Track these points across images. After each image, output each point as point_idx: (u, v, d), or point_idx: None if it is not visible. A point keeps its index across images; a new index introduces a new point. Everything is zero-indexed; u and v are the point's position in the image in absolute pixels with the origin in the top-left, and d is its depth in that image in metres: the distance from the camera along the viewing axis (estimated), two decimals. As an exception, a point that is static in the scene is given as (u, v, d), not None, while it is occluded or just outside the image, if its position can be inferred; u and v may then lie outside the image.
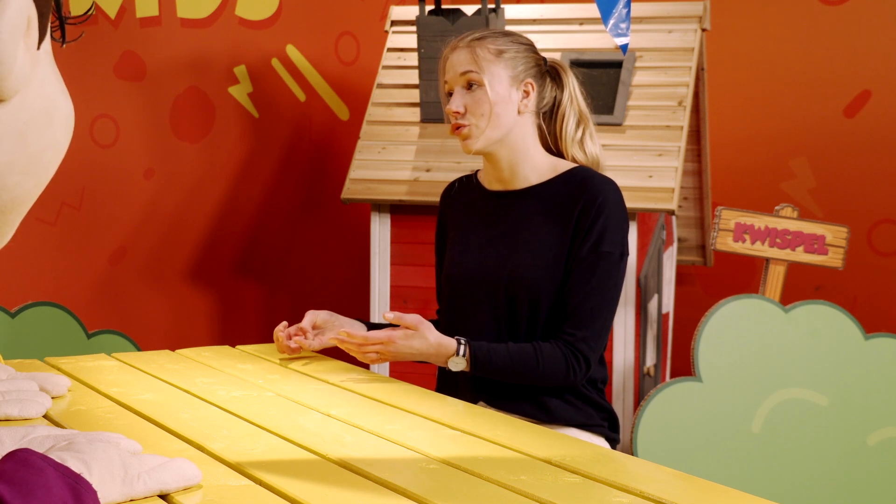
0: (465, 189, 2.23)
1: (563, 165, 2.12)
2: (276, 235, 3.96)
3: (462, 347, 2.00)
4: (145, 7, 3.54)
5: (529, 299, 2.06)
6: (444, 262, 2.24)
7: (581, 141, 2.17)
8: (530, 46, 2.13)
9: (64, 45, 0.80)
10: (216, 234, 3.79)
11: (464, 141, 2.09)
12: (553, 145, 2.19)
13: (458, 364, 2.00)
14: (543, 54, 2.18)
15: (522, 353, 2.01)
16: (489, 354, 2.00)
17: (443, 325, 2.17)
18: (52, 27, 0.76)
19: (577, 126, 2.17)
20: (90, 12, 0.88)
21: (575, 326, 2.02)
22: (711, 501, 1.25)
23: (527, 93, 2.10)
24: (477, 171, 2.26)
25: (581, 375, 2.03)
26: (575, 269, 2.03)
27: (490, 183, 2.18)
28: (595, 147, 2.19)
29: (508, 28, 3.25)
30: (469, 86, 2.07)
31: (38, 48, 0.72)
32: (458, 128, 2.09)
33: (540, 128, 2.16)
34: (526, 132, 2.11)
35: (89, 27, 3.35)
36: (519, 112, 2.09)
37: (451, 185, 2.28)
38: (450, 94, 2.11)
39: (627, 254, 2.08)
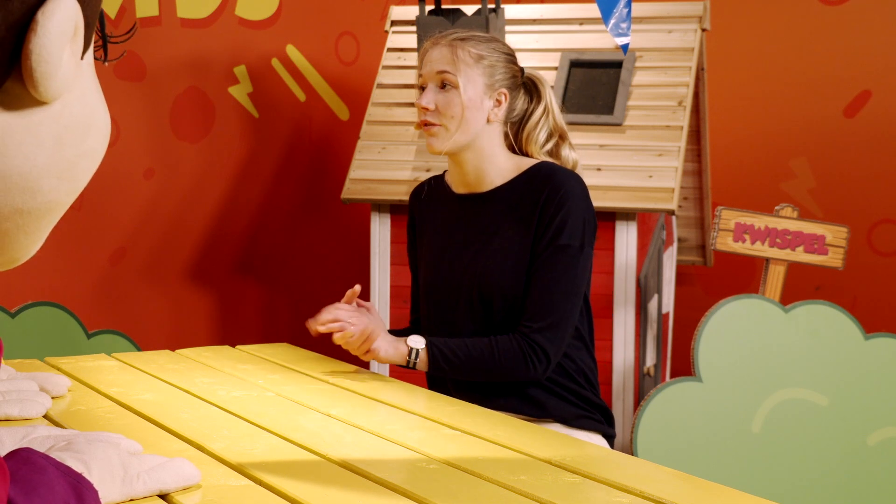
0: (434, 191, 2.23)
1: (527, 163, 2.12)
2: (276, 235, 3.96)
3: (415, 351, 2.00)
4: (145, 7, 3.54)
5: (504, 302, 2.06)
6: (418, 268, 2.24)
7: (552, 151, 2.17)
8: (511, 56, 2.13)
9: (106, 63, 0.81)
10: (216, 234, 3.79)
11: (429, 139, 2.09)
12: (520, 151, 2.19)
13: (419, 365, 2.01)
14: (528, 63, 2.18)
15: (479, 348, 2.01)
16: (444, 351, 2.01)
17: (424, 333, 2.17)
18: (94, 45, 0.78)
19: (549, 139, 2.16)
20: (133, 31, 0.89)
21: (531, 319, 2.01)
22: (711, 501, 1.25)
23: (499, 102, 2.09)
24: (445, 171, 2.26)
25: (542, 368, 2.02)
26: (534, 263, 2.04)
27: (456, 186, 2.18)
28: (571, 154, 2.18)
29: (508, 29, 3.26)
30: (443, 85, 2.07)
31: (82, 58, 0.73)
32: (426, 125, 2.09)
33: (507, 134, 2.15)
34: (493, 138, 2.11)
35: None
36: (488, 120, 2.09)
37: (419, 187, 2.27)
38: (423, 88, 2.11)
39: (589, 246, 2.06)
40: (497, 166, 2.11)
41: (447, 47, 2.08)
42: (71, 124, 0.73)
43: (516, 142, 2.18)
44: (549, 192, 2.03)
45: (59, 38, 0.68)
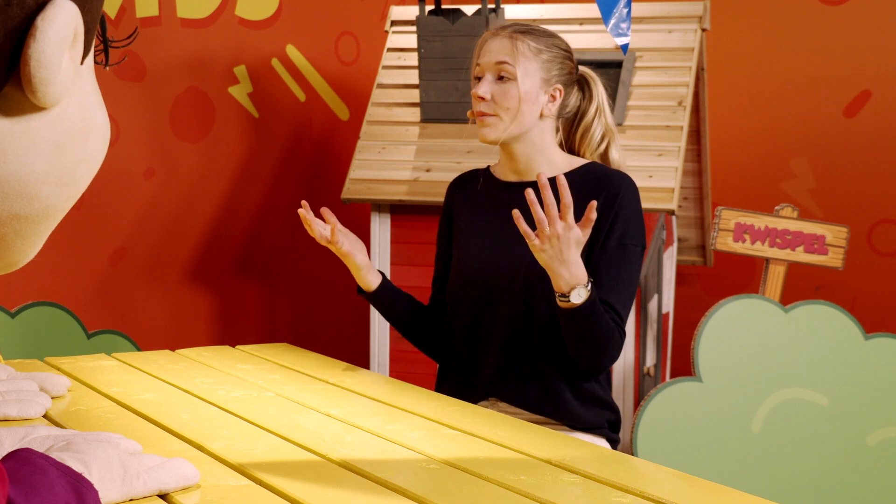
0: (478, 180, 2.24)
1: (578, 161, 2.15)
2: (276, 235, 3.96)
3: (586, 288, 1.93)
4: (145, 7, 3.54)
5: (548, 291, 2.05)
6: (452, 252, 2.23)
7: (605, 153, 2.19)
8: (568, 53, 2.14)
9: (107, 68, 0.81)
10: (216, 234, 3.79)
11: (482, 129, 2.10)
12: (570, 150, 2.20)
13: (580, 295, 1.95)
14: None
15: (606, 318, 1.98)
16: (596, 299, 1.96)
17: (455, 315, 2.16)
18: (95, 50, 0.77)
19: (602, 139, 2.18)
20: (134, 35, 0.89)
21: (620, 317, 2.03)
22: (711, 501, 1.25)
23: (553, 97, 2.11)
24: (488, 166, 2.26)
25: (617, 357, 2.05)
26: (605, 262, 2.04)
27: (505, 174, 2.19)
28: (618, 155, 2.21)
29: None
30: (500, 77, 2.08)
31: (82, 63, 0.73)
32: (481, 114, 2.09)
33: (559, 130, 2.17)
34: (545, 132, 2.12)
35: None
36: (541, 115, 2.10)
37: (463, 175, 2.29)
38: (478, 79, 2.12)
39: (646, 247, 2.11)
40: (549, 159, 2.13)
41: (507, 39, 2.08)
42: (69, 130, 0.73)
43: (569, 139, 2.20)
44: (608, 193, 2.05)
45: (58, 43, 0.68)
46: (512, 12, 3.37)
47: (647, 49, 3.19)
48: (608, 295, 2.04)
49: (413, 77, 3.34)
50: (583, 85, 2.18)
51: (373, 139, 3.29)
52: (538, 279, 2.06)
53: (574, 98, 2.16)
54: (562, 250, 1.88)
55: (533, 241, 1.88)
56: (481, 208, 2.19)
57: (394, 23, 3.50)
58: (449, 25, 3.11)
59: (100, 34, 0.79)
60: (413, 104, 3.30)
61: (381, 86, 3.39)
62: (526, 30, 2.10)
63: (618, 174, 2.09)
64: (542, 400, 2.07)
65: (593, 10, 3.22)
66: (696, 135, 3.51)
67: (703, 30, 3.22)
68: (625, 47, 2.54)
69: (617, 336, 2.01)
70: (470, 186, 2.24)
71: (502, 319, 2.09)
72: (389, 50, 3.46)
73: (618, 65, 3.16)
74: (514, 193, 2.14)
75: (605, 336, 2.00)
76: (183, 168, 3.69)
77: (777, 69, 3.88)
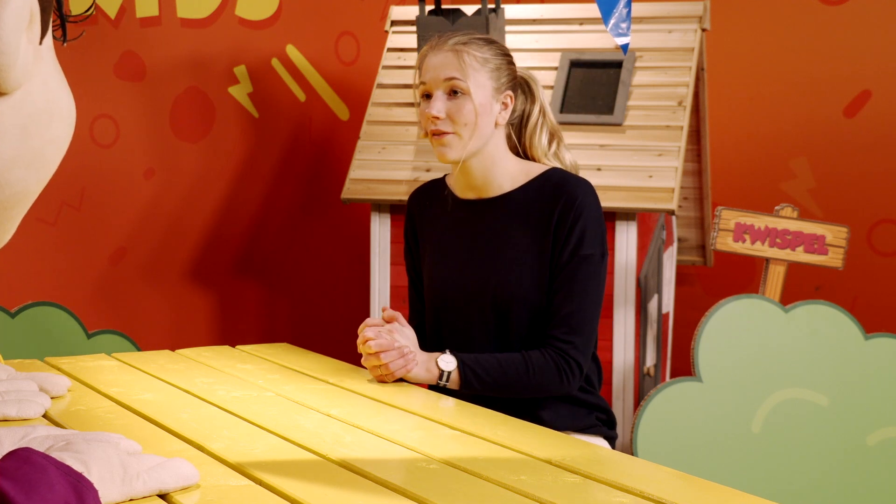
0: (436, 195, 2.17)
1: (536, 169, 2.09)
2: (276, 235, 3.96)
3: (446, 374, 1.97)
4: (145, 7, 3.54)
5: (519, 313, 2.02)
6: (421, 274, 2.19)
7: (556, 153, 2.16)
8: (510, 57, 2.10)
9: (65, 44, 0.80)
10: (216, 234, 3.79)
11: (441, 148, 2.03)
12: (524, 154, 2.17)
13: (449, 377, 1.98)
14: (528, 63, 2.17)
15: (512, 366, 1.98)
16: (476, 371, 1.98)
17: (430, 342, 2.14)
18: (52, 25, 0.77)
19: (551, 141, 2.15)
20: (90, 11, 0.88)
21: (564, 333, 1.99)
22: (711, 501, 1.25)
23: (505, 105, 2.06)
24: (445, 175, 2.22)
25: (575, 382, 2.01)
26: (559, 275, 2.01)
27: (462, 191, 2.13)
28: (570, 156, 2.17)
29: (508, 29, 3.26)
30: (452, 92, 2.02)
31: (41, 43, 0.72)
32: (437, 134, 2.03)
33: (509, 136, 2.13)
34: (499, 142, 2.07)
35: (89, 27, 3.36)
36: (496, 124, 2.05)
37: (421, 189, 2.22)
38: (426, 96, 2.06)
39: (607, 253, 2.06)
40: (505, 170, 2.08)
41: (451, 52, 2.02)
42: (34, 113, 0.72)
43: (520, 145, 2.16)
44: (564, 201, 2.01)
45: (15, 27, 0.67)
46: (512, 12, 3.37)
47: (647, 49, 3.19)
48: (560, 306, 2.00)
49: (413, 77, 3.33)
50: (523, 88, 2.14)
51: (373, 139, 3.29)
52: (507, 299, 2.03)
53: (518, 102, 2.12)
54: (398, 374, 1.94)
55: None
56: (442, 228, 2.14)
57: (394, 23, 3.50)
58: (449, 25, 3.11)
59: (56, 8, 0.78)
60: (413, 104, 3.30)
61: (381, 86, 3.40)
62: (467, 40, 2.04)
63: (574, 180, 2.04)
64: (528, 415, 2.05)
65: (593, 10, 3.22)
66: (696, 135, 3.51)
67: (703, 30, 3.22)
68: (625, 47, 2.54)
69: (538, 365, 1.98)
70: (429, 203, 2.18)
71: (477, 341, 2.06)
72: (389, 50, 3.46)
73: (618, 65, 3.16)
74: (474, 212, 2.10)
75: (522, 379, 1.98)
76: (183, 168, 3.69)
77: (777, 69, 3.88)
